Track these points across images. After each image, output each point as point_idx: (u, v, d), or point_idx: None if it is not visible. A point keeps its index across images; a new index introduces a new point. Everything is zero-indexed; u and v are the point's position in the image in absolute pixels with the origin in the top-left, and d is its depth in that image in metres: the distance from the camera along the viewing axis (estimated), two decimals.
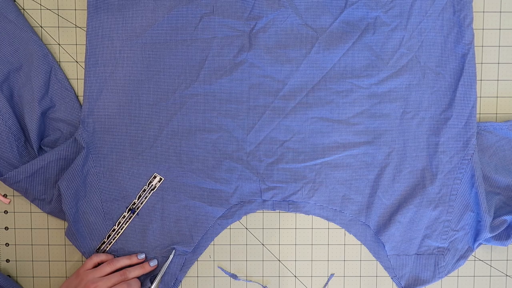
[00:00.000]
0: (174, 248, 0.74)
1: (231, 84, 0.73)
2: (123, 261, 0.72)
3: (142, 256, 0.73)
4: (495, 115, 0.77)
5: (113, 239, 0.73)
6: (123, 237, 0.74)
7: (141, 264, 0.73)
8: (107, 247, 0.73)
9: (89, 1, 0.72)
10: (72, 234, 0.73)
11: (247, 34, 0.73)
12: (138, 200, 0.73)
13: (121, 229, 0.73)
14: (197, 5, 0.72)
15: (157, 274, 0.73)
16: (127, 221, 0.73)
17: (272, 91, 0.74)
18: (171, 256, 0.73)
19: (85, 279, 0.69)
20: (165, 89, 0.73)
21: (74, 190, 0.72)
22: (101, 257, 0.72)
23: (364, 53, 0.73)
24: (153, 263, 0.73)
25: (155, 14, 0.72)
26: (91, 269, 0.71)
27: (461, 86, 0.73)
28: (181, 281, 0.75)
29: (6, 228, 0.77)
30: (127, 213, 0.73)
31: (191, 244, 0.74)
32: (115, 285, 0.69)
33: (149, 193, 0.73)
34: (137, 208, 0.73)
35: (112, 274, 0.70)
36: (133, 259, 0.73)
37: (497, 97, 0.77)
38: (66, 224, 0.75)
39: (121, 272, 0.71)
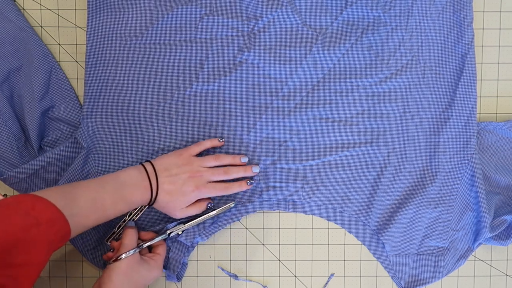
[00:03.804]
0: (234, 200, 0.74)
1: (231, 84, 0.73)
2: (228, 159, 0.72)
3: (245, 159, 0.73)
4: (495, 115, 0.77)
5: (119, 235, 0.73)
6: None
7: (244, 167, 0.72)
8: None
9: (89, 1, 0.72)
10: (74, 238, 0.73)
11: (247, 34, 0.73)
12: None
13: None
14: (197, 5, 0.72)
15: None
16: (139, 213, 0.74)
17: (272, 91, 0.74)
18: (232, 205, 0.73)
19: (191, 164, 0.69)
20: (165, 89, 0.73)
21: None
22: (214, 142, 0.72)
23: (364, 53, 0.73)
24: (256, 169, 0.73)
25: (155, 14, 0.72)
26: (196, 156, 0.71)
27: (461, 86, 0.73)
28: (187, 264, 0.76)
29: None
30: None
31: (190, 239, 0.73)
32: (216, 181, 0.70)
33: None
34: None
35: (217, 168, 0.71)
36: (236, 160, 0.72)
37: (497, 97, 0.77)
38: None
39: (225, 169, 0.71)
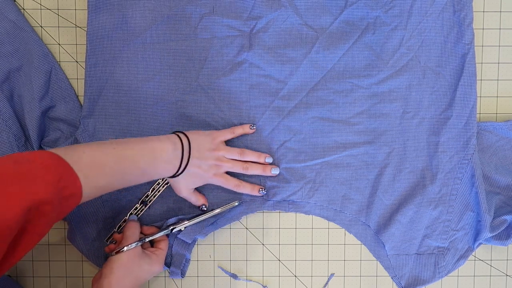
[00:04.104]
0: (238, 200, 0.74)
1: (231, 84, 0.73)
2: (252, 156, 0.72)
3: (270, 160, 0.73)
4: (495, 115, 0.77)
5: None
6: None
7: (263, 166, 0.72)
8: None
9: (89, 1, 0.72)
10: (74, 236, 0.73)
11: (247, 34, 0.73)
12: (151, 192, 0.74)
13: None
14: (197, 5, 0.72)
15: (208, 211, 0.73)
16: (139, 213, 0.74)
17: (272, 91, 0.74)
18: (236, 203, 0.73)
19: (218, 151, 0.70)
20: (165, 89, 0.73)
21: None
22: (246, 129, 0.72)
23: (364, 53, 0.73)
24: (275, 171, 0.73)
25: (155, 14, 0.72)
26: (224, 142, 0.71)
27: (461, 86, 0.73)
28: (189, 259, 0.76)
29: None
30: (139, 205, 0.73)
31: (190, 236, 0.73)
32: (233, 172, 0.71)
33: (162, 186, 0.73)
34: (149, 201, 0.73)
35: (237, 162, 0.71)
36: (261, 159, 0.72)
37: (497, 97, 0.77)
38: (67, 223, 0.75)
39: (244, 165, 0.71)
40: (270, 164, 0.73)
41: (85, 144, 0.60)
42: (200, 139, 0.69)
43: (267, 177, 0.74)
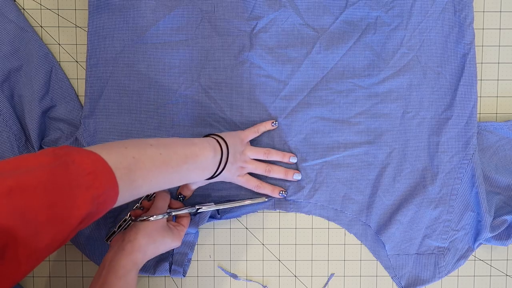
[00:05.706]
0: (267, 197, 0.74)
1: (232, 84, 0.73)
2: (276, 156, 0.72)
3: (294, 159, 0.73)
4: (495, 115, 0.77)
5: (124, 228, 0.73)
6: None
7: (286, 170, 0.73)
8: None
9: (90, 1, 0.72)
10: (75, 235, 0.72)
11: (248, 34, 0.73)
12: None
13: (128, 224, 0.73)
14: (198, 5, 0.72)
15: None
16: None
17: (273, 91, 0.74)
18: (265, 199, 0.73)
19: (246, 153, 0.70)
20: (166, 89, 0.73)
21: None
22: (268, 126, 0.73)
23: (365, 53, 0.73)
24: (297, 176, 0.73)
25: (156, 14, 0.72)
26: (249, 142, 0.72)
27: (461, 86, 0.73)
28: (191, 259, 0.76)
29: None
30: (140, 204, 0.73)
31: (202, 219, 0.74)
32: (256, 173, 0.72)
33: None
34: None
35: (260, 163, 0.72)
36: (285, 159, 0.73)
37: (497, 97, 0.77)
38: None
39: (268, 168, 0.72)
40: (295, 163, 0.74)
41: (131, 146, 0.55)
42: (234, 142, 0.68)
43: (267, 176, 0.74)
